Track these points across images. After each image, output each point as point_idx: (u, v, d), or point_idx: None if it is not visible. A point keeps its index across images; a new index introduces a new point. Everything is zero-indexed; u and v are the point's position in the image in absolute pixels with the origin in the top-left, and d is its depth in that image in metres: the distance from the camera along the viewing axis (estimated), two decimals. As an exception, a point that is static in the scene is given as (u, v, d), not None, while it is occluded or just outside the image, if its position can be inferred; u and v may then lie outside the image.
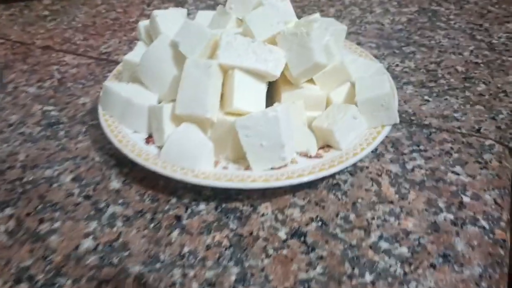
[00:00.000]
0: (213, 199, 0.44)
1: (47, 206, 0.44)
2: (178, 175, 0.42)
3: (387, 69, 0.62)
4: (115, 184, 0.46)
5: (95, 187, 0.46)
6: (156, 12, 0.51)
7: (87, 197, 0.45)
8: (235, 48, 0.44)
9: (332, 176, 0.46)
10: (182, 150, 0.43)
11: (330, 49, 0.48)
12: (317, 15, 0.52)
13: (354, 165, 0.47)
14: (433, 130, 0.52)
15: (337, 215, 0.42)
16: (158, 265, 0.38)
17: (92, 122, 0.54)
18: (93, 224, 0.42)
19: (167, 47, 0.48)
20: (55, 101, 0.57)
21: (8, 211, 0.43)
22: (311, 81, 0.49)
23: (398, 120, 0.47)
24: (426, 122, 0.53)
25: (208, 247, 0.40)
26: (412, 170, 0.47)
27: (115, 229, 0.42)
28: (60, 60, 0.65)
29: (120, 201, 0.44)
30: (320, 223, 0.42)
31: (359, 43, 0.68)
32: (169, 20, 0.52)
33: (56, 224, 0.42)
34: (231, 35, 0.45)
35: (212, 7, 0.76)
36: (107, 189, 0.46)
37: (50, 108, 0.56)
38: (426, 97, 0.57)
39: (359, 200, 0.44)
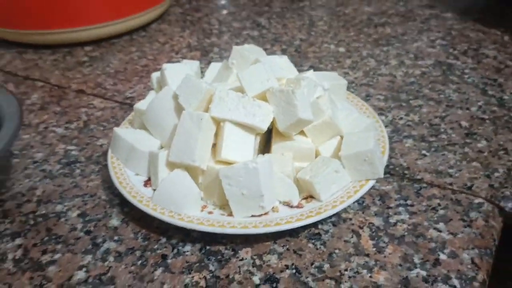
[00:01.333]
0: (199, 241, 0.47)
1: (52, 238, 0.49)
2: (165, 217, 0.46)
3: (391, 122, 0.64)
4: (115, 221, 0.50)
5: (96, 223, 0.50)
6: (165, 66, 0.57)
7: (88, 232, 0.49)
8: (227, 103, 0.48)
9: (315, 225, 0.48)
10: (172, 194, 0.47)
11: (319, 105, 0.50)
12: (310, 72, 0.55)
13: (338, 215, 0.49)
14: (424, 185, 0.53)
15: (312, 264, 0.44)
16: (136, 300, 0.42)
17: (105, 163, 0.59)
18: (88, 258, 0.46)
19: (170, 99, 0.52)
20: (77, 141, 0.63)
21: (18, 241, 0.49)
22: (303, 133, 0.52)
23: (382, 175, 0.49)
24: (419, 177, 0.54)
25: (185, 286, 0.43)
26: (395, 224, 0.48)
27: (106, 263, 0.46)
28: (90, 103, 0.72)
29: (116, 237, 0.48)
30: (294, 270, 0.44)
31: (368, 95, 0.70)
32: (178, 73, 0.57)
33: (56, 256, 0.47)
34: (224, 90, 0.49)
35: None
36: (106, 225, 0.50)
37: (72, 147, 0.62)
38: (424, 152, 0.58)
39: (336, 251, 0.46)
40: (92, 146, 0.62)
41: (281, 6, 1.08)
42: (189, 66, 0.60)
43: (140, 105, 0.56)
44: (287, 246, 0.46)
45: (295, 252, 0.46)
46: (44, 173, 0.58)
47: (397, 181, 0.54)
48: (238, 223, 0.45)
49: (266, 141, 0.53)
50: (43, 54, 0.89)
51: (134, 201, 0.48)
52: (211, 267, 0.45)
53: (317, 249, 0.46)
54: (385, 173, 0.53)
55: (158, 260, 0.46)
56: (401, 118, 0.65)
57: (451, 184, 0.53)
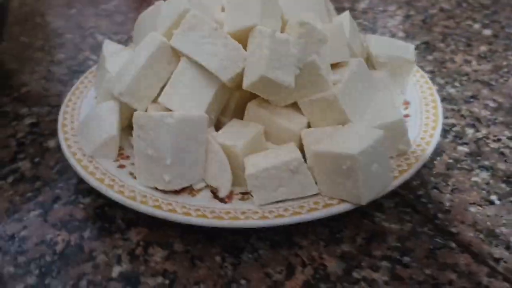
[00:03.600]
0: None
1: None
2: (76, 165, 0.35)
3: (475, 141, 0.41)
4: (52, 143, 0.42)
5: (34, 138, 0.43)
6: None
7: (20, 144, 0.42)
8: (194, 33, 0.35)
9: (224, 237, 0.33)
10: (92, 130, 0.37)
11: (318, 70, 0.33)
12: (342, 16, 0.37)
13: (275, 233, 0.33)
14: (453, 246, 0.32)
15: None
16: None
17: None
18: None
19: (156, 15, 0.41)
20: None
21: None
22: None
23: (365, 200, 0.30)
24: (454, 230, 0.33)
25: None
26: None
27: (1, 182, 0.38)
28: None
29: (37, 160, 0.40)
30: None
31: (473, 96, 0.47)
32: None
33: None
34: (198, 16, 0.35)
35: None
36: (41, 145, 0.42)
37: (94, 57, 0.56)
38: (492, 197, 0.36)
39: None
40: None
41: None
42: None
43: (140, 15, 0.46)
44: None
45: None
46: (47, 73, 0.53)
47: (402, 222, 0.34)
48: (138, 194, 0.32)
49: (247, 102, 0.38)
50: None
51: (60, 129, 0.38)
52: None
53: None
54: (391, 201, 0.34)
55: (47, 200, 0.36)
56: (497, 140, 0.42)
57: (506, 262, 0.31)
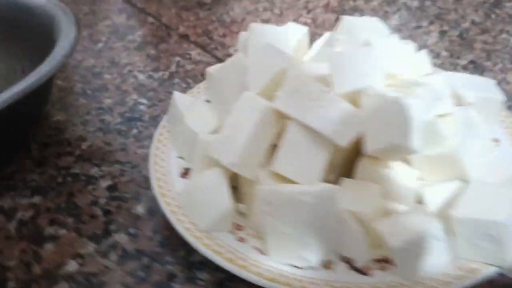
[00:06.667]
0: (221, 272, 0.35)
1: (68, 207, 0.41)
2: (190, 239, 0.34)
3: None
4: (139, 208, 0.41)
5: (120, 204, 0.41)
6: (254, 26, 0.43)
7: (107, 212, 0.40)
8: (301, 95, 0.34)
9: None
10: (199, 200, 0.35)
11: (438, 128, 0.33)
12: (441, 74, 0.37)
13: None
14: None
15: None
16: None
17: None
18: (91, 247, 0.38)
19: (239, 69, 0.39)
20: (152, 95, 0.55)
21: (35, 198, 0.42)
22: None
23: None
24: None
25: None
26: None
27: (105, 262, 0.36)
28: (187, 52, 0.63)
29: (132, 230, 0.39)
30: None
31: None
32: (269, 38, 0.43)
33: (61, 232, 0.39)
34: (303, 76, 0.34)
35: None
36: (129, 210, 0.41)
37: (143, 101, 0.54)
38: None
39: None
40: (165, 104, 0.53)
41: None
42: (291, 32, 0.45)
43: (214, 69, 0.44)
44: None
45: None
46: (102, 124, 0.50)
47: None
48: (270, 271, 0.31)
49: (353, 158, 0.37)
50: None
51: (161, 201, 0.37)
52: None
53: None
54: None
55: (162, 279, 0.35)
56: None
57: None
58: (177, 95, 0.43)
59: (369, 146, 0.33)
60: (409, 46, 0.40)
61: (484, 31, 0.65)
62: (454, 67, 0.57)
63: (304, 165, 0.34)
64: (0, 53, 0.52)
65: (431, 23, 0.67)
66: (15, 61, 0.51)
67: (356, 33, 0.39)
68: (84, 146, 0.48)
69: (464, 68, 0.57)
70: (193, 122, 0.40)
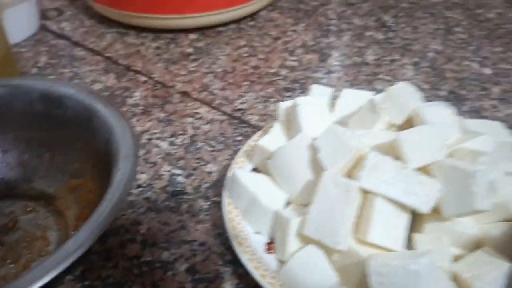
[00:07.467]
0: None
1: (158, 298, 0.43)
2: None
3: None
4: (227, 287, 0.44)
5: (207, 286, 0.44)
6: (299, 101, 0.48)
7: (198, 296, 0.43)
8: (382, 172, 0.39)
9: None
10: (302, 274, 0.39)
11: (495, 186, 0.40)
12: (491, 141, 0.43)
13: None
14: None
15: None
16: None
17: (214, 199, 0.52)
18: (199, 335, 0.40)
19: (305, 149, 0.44)
20: (184, 163, 0.57)
21: (122, 294, 0.43)
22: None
23: None
24: None
25: None
26: None
27: None
28: (196, 112, 0.65)
29: (230, 310, 0.42)
30: None
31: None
32: (311, 110, 0.48)
33: (164, 324, 0.41)
34: (379, 155, 0.39)
35: (367, 82, 0.70)
36: (218, 290, 0.43)
37: (178, 172, 0.56)
38: None
39: None
40: (200, 172, 0.55)
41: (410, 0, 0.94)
42: (322, 100, 0.50)
43: (266, 143, 0.48)
44: None
45: None
46: (148, 203, 0.52)
47: None
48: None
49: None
50: (144, 39, 0.82)
51: (256, 275, 0.40)
52: None
53: None
54: None
55: None
56: None
57: None
58: (238, 174, 0.46)
59: (447, 210, 0.39)
60: (451, 111, 0.46)
61: (449, 60, 0.74)
62: (439, 99, 0.65)
63: (390, 232, 0.39)
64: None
65: (402, 55, 0.76)
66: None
67: (398, 102, 0.45)
68: (142, 230, 0.49)
69: (447, 99, 0.65)
70: (267, 201, 0.44)
